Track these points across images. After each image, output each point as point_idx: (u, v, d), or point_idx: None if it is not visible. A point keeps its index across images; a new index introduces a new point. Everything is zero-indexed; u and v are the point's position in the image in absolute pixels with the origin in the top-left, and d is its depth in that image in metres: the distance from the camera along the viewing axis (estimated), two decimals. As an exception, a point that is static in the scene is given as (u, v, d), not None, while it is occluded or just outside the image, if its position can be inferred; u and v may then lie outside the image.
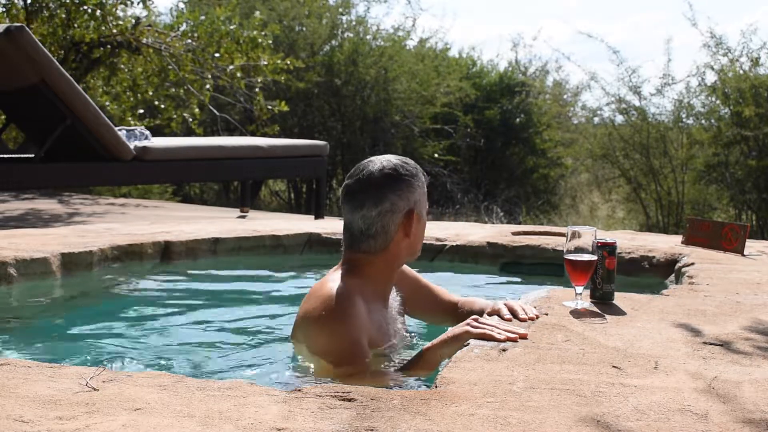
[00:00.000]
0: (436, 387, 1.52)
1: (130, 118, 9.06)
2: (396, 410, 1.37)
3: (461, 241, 3.79)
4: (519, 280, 3.51)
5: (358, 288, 2.00)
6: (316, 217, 6.12)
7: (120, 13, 9.14)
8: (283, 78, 9.52)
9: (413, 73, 12.72)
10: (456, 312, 2.36)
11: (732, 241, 3.40)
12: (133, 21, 9.05)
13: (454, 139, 13.17)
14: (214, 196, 13.72)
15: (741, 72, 9.17)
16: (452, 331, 1.90)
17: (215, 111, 10.00)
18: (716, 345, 1.84)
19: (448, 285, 3.23)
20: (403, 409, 1.38)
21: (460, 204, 12.15)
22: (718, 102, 9.62)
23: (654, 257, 3.45)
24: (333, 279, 2.03)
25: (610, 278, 2.23)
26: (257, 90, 9.33)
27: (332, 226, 4.10)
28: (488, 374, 1.58)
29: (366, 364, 1.91)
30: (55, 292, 3.04)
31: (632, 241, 3.73)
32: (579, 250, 2.15)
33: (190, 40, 8.77)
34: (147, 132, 5.59)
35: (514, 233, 4.01)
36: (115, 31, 8.54)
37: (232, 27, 8.96)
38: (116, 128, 5.25)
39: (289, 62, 9.21)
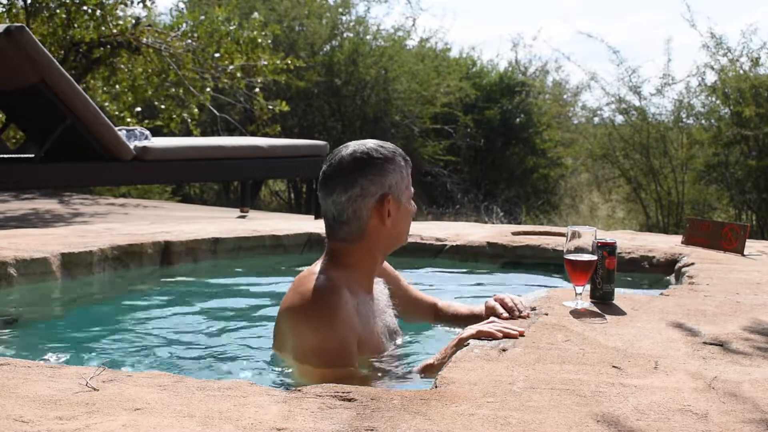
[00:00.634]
0: (436, 387, 1.52)
1: (129, 119, 9.06)
2: (396, 410, 1.37)
3: (461, 241, 3.79)
4: (519, 279, 3.51)
5: (343, 279, 1.94)
6: (316, 217, 6.12)
7: (120, 13, 9.15)
8: (283, 78, 9.52)
9: (413, 73, 12.73)
10: (437, 312, 2.38)
11: (732, 241, 3.40)
12: (133, 21, 9.06)
13: (454, 139, 13.17)
14: (214, 196, 13.72)
15: (741, 72, 9.17)
16: (459, 336, 1.89)
17: (215, 111, 10.00)
18: (716, 345, 1.84)
19: (448, 285, 3.23)
20: (403, 409, 1.38)
21: (460, 204, 12.15)
22: (718, 102, 9.62)
23: (654, 257, 3.45)
24: (317, 271, 1.97)
25: (610, 278, 2.23)
26: (257, 91, 9.33)
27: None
28: (488, 374, 1.58)
29: (353, 366, 1.86)
30: (55, 292, 3.04)
31: (632, 241, 3.73)
32: (579, 250, 2.15)
33: (190, 40, 8.77)
34: (147, 132, 5.59)
35: (514, 233, 4.01)
36: (115, 31, 8.54)
37: (231, 27, 8.97)
38: (116, 128, 5.25)
39: (289, 62, 9.21)
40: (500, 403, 1.42)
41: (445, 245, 3.77)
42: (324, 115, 12.82)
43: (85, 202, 8.27)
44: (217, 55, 8.80)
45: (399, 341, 2.14)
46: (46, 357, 2.14)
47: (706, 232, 3.54)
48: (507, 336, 1.84)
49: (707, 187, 9.88)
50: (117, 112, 9.11)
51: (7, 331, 2.49)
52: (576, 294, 2.20)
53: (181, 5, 12.78)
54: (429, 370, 1.86)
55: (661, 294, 2.52)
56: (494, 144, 13.74)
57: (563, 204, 13.56)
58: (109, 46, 8.80)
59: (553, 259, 3.54)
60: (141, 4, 8.85)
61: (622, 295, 2.34)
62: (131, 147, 5.21)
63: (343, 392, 1.45)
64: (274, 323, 2.05)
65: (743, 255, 3.32)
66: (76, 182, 6.38)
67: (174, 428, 1.27)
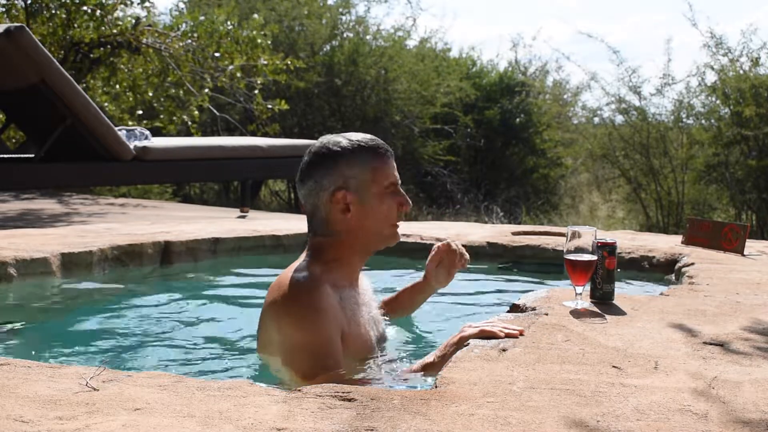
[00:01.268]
0: (436, 387, 1.52)
1: (130, 123, 9.07)
2: (396, 410, 1.37)
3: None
4: (519, 280, 3.51)
5: (325, 275, 1.93)
6: (316, 217, 6.11)
7: (120, 14, 9.15)
8: (283, 79, 9.53)
9: (413, 73, 12.73)
10: (387, 304, 2.39)
11: (732, 241, 3.40)
12: (133, 21, 9.06)
13: (454, 139, 13.17)
14: (214, 196, 13.72)
15: (741, 72, 9.17)
16: (460, 335, 1.88)
17: (215, 111, 10.00)
18: (716, 345, 1.84)
19: (448, 285, 3.21)
20: (403, 409, 1.38)
21: (460, 204, 12.16)
22: (718, 102, 9.62)
23: (654, 257, 3.45)
24: (299, 267, 1.96)
25: (610, 278, 2.24)
26: (256, 92, 9.33)
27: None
28: (488, 374, 1.58)
29: (338, 358, 1.84)
30: (55, 292, 3.04)
31: (632, 241, 3.73)
32: (579, 250, 2.15)
33: (189, 41, 8.77)
34: (147, 132, 5.59)
35: (514, 233, 4.01)
36: (115, 31, 8.54)
37: (230, 27, 8.97)
38: (116, 128, 5.25)
39: (289, 62, 9.21)
40: (500, 403, 1.42)
41: (445, 245, 3.77)
42: (324, 115, 12.82)
43: (85, 202, 8.27)
44: (216, 55, 8.81)
45: (384, 332, 2.14)
46: (46, 357, 2.14)
47: (706, 232, 3.54)
48: (509, 336, 1.84)
49: (707, 187, 9.88)
50: (118, 114, 9.12)
51: (6, 331, 2.49)
52: (576, 294, 2.20)
53: (181, 5, 12.79)
54: (429, 369, 1.86)
55: (661, 294, 2.52)
56: (494, 144, 13.74)
57: (563, 204, 13.56)
58: (109, 46, 8.81)
59: (553, 259, 3.54)
60: (140, 5, 8.87)
61: (622, 295, 2.34)
62: (131, 147, 5.21)
63: (343, 392, 1.45)
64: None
65: (743, 255, 3.32)
66: (76, 182, 6.39)
67: (174, 428, 1.27)
